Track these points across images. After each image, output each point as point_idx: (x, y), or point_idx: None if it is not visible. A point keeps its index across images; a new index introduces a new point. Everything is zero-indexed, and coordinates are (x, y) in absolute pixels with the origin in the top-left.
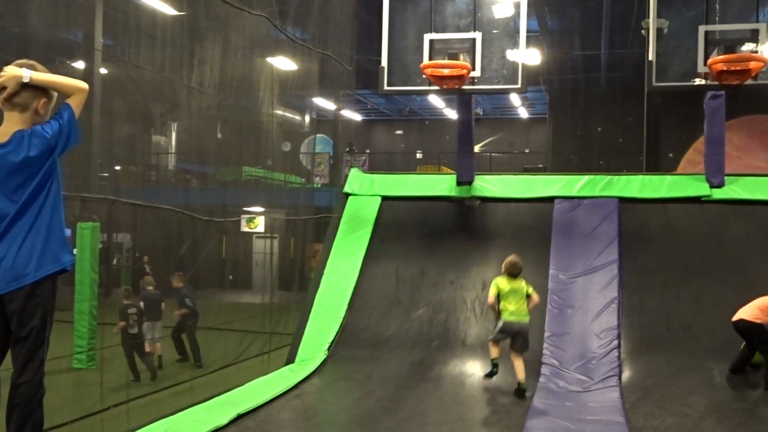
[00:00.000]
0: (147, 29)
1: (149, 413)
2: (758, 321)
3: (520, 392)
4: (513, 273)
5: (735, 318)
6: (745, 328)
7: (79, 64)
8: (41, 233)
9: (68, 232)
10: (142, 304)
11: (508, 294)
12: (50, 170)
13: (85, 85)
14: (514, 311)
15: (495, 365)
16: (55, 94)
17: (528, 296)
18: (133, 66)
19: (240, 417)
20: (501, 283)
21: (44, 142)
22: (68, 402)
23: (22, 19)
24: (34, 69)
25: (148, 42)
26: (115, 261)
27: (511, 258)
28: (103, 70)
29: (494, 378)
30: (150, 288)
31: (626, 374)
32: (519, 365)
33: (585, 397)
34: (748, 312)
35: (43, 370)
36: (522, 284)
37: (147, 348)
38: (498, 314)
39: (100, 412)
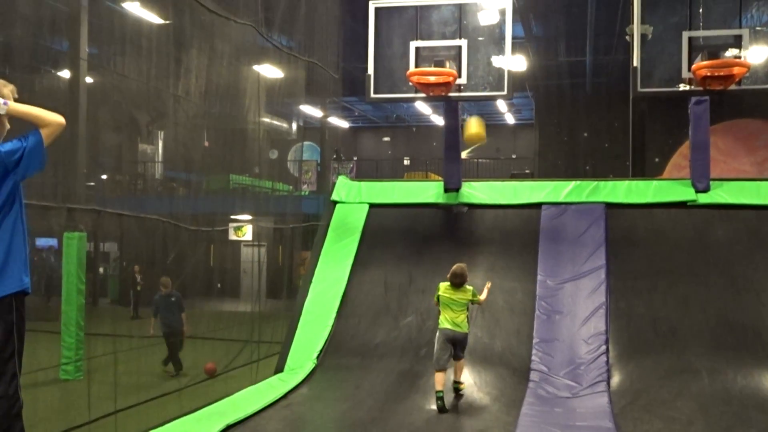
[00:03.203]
0: (132, 38)
1: (137, 424)
2: None
3: (456, 391)
4: (455, 282)
5: None
6: None
7: (65, 73)
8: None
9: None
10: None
11: (446, 303)
12: (9, 192)
13: (62, 120)
14: (449, 320)
15: (439, 398)
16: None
17: (472, 302)
18: (119, 75)
19: (229, 427)
20: (441, 289)
21: None
22: (55, 413)
23: (7, 27)
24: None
25: (134, 51)
26: (101, 270)
27: (456, 267)
28: (88, 79)
29: (483, 386)
30: (164, 290)
31: (615, 379)
32: (458, 366)
33: (574, 403)
34: None
35: (16, 383)
36: (464, 294)
37: None
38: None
39: (87, 423)
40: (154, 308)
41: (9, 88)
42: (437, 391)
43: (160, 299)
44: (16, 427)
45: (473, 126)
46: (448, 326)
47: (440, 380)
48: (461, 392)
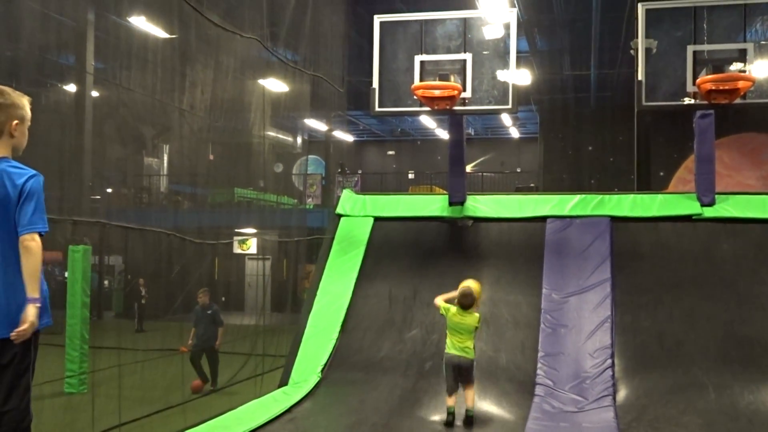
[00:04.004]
0: (138, 52)
1: None
2: None
3: (467, 419)
4: (464, 304)
5: None
6: None
7: (71, 87)
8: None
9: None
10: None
11: (454, 327)
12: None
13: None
14: (457, 345)
15: (450, 413)
16: (29, 114)
17: (476, 329)
18: (125, 89)
19: None
20: (450, 312)
21: (11, 191)
22: (60, 427)
23: (14, 42)
24: (1, 94)
25: (140, 65)
26: (106, 283)
27: (465, 288)
28: (94, 93)
29: (488, 400)
30: (200, 302)
31: (620, 394)
32: (468, 394)
33: (580, 417)
34: None
35: (29, 396)
36: (472, 319)
37: None
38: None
39: None
40: (194, 320)
41: (25, 99)
42: (449, 406)
43: (199, 311)
44: None
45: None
46: (455, 352)
47: (452, 401)
48: (472, 418)
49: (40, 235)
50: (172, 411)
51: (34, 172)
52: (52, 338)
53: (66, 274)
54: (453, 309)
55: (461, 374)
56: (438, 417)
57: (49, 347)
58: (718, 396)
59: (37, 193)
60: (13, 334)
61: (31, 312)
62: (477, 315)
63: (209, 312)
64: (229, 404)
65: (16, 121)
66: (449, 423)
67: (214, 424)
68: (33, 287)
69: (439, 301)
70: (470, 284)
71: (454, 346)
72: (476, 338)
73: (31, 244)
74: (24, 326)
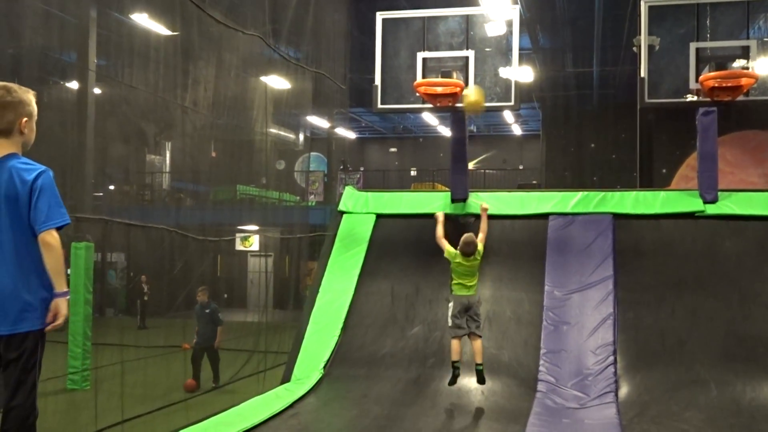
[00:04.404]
0: (140, 49)
1: None
2: None
3: (478, 375)
4: (466, 252)
5: None
6: None
7: (73, 84)
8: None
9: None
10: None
11: (459, 271)
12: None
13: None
14: (465, 286)
15: (456, 368)
16: (35, 110)
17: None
18: (127, 86)
19: None
20: (455, 259)
21: (20, 188)
22: (62, 423)
23: (16, 39)
24: (8, 91)
25: (142, 62)
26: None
27: (466, 237)
28: (96, 90)
29: (490, 397)
30: (199, 300)
31: (623, 390)
32: (476, 347)
33: (582, 414)
34: None
35: (35, 393)
36: (476, 262)
37: None
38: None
39: None
40: (195, 318)
41: (31, 93)
42: (454, 361)
43: (198, 310)
44: None
45: (473, 94)
46: (463, 293)
47: (457, 349)
48: (483, 375)
49: (60, 229)
50: (175, 408)
51: (43, 167)
52: (54, 335)
53: (69, 271)
54: (458, 257)
55: (469, 313)
56: (441, 408)
57: (51, 344)
58: (720, 392)
59: (49, 188)
60: (48, 327)
61: (62, 305)
62: (479, 256)
63: (207, 311)
64: (231, 401)
65: (25, 118)
66: (454, 379)
67: (217, 420)
68: (60, 281)
69: (444, 244)
70: (470, 234)
71: (461, 288)
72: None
73: (50, 240)
74: (59, 321)
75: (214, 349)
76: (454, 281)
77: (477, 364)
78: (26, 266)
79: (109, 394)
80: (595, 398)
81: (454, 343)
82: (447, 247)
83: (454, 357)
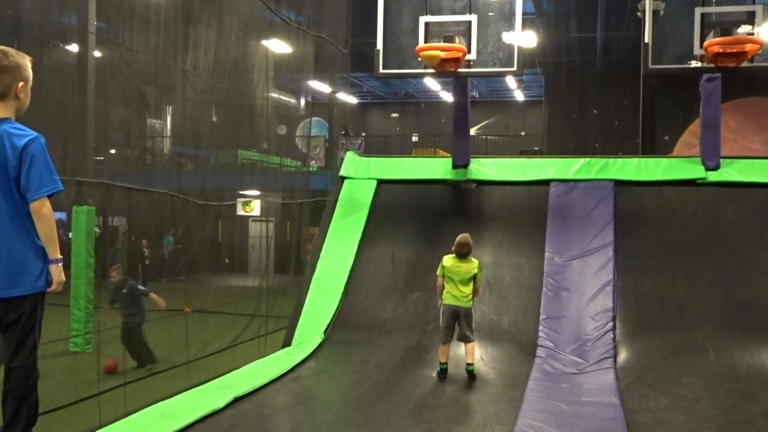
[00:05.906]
0: (141, 12)
1: (146, 396)
2: None
3: (469, 375)
4: (460, 253)
5: None
6: None
7: (73, 48)
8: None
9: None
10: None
11: (451, 276)
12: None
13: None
14: (455, 294)
15: (443, 370)
16: (31, 75)
17: (474, 278)
18: (127, 49)
19: (237, 400)
20: (447, 262)
21: (10, 153)
22: (65, 386)
23: (15, 2)
24: (5, 55)
25: (142, 25)
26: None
27: (461, 237)
28: (96, 54)
29: (489, 362)
30: (112, 279)
31: (621, 356)
32: (468, 349)
33: (580, 379)
34: None
35: (35, 354)
36: (470, 266)
37: None
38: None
39: (96, 395)
40: (114, 300)
41: (27, 59)
42: (441, 363)
43: (115, 291)
44: (32, 398)
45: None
46: (453, 302)
47: (445, 352)
48: (474, 373)
49: (51, 196)
50: (177, 370)
51: (34, 134)
52: (57, 298)
53: (70, 235)
54: (448, 258)
55: (459, 321)
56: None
57: (54, 307)
58: (718, 358)
59: (40, 155)
60: (49, 290)
61: (56, 272)
62: (476, 261)
63: (124, 290)
64: (232, 364)
65: (21, 83)
66: (440, 376)
67: (218, 383)
68: (52, 249)
69: (438, 279)
70: (465, 234)
71: (452, 297)
72: (478, 300)
73: (41, 209)
74: (54, 286)
75: (138, 329)
76: (446, 290)
77: (467, 364)
78: (20, 229)
79: (110, 356)
80: (594, 364)
81: (442, 347)
82: (438, 272)
83: (442, 359)
